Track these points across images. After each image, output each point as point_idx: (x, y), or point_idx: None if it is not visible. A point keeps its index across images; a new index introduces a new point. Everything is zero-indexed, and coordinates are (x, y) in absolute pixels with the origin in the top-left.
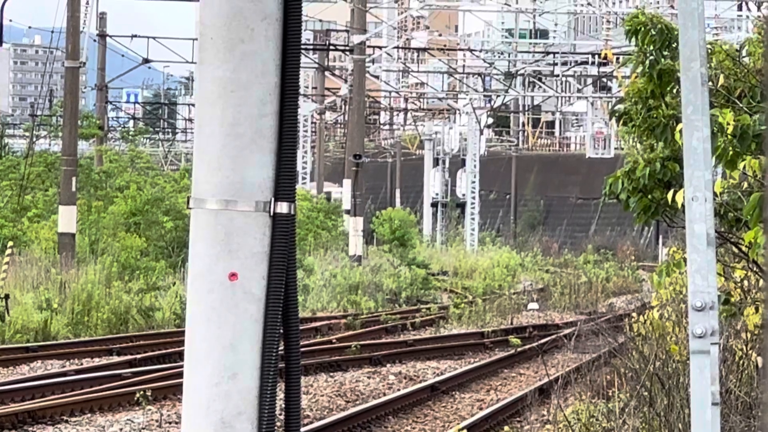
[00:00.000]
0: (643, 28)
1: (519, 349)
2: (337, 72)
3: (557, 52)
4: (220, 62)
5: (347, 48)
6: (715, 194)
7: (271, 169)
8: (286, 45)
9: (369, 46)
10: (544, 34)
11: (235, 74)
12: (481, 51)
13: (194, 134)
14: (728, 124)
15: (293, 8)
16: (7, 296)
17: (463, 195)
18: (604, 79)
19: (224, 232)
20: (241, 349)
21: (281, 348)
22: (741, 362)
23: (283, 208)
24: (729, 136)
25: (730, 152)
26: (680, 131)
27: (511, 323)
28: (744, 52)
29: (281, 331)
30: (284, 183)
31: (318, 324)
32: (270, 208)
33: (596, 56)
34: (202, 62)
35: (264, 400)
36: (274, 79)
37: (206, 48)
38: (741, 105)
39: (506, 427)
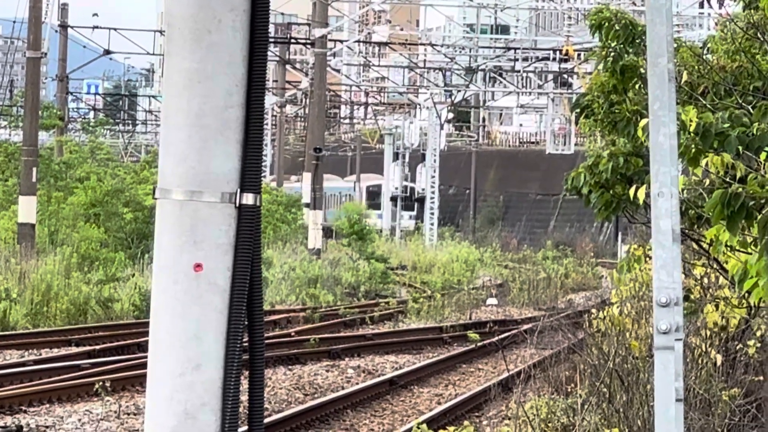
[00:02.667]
0: (607, 24)
1: (478, 344)
2: (298, 65)
3: (518, 48)
4: (187, 53)
5: (308, 41)
6: None
7: (237, 161)
8: (253, 36)
9: (330, 40)
10: (505, 29)
11: (201, 65)
12: (442, 46)
13: (160, 125)
14: (691, 121)
15: None
16: None
17: (423, 189)
18: (565, 76)
19: (190, 223)
20: (205, 341)
21: (245, 340)
22: (700, 359)
23: (248, 199)
24: (692, 134)
25: (693, 149)
26: (644, 127)
27: (470, 318)
28: (707, 50)
29: (245, 322)
30: (250, 174)
31: (277, 317)
32: (236, 199)
33: (557, 52)
34: (169, 53)
35: (228, 392)
36: (241, 71)
37: (173, 39)
38: (704, 102)
39: (465, 422)
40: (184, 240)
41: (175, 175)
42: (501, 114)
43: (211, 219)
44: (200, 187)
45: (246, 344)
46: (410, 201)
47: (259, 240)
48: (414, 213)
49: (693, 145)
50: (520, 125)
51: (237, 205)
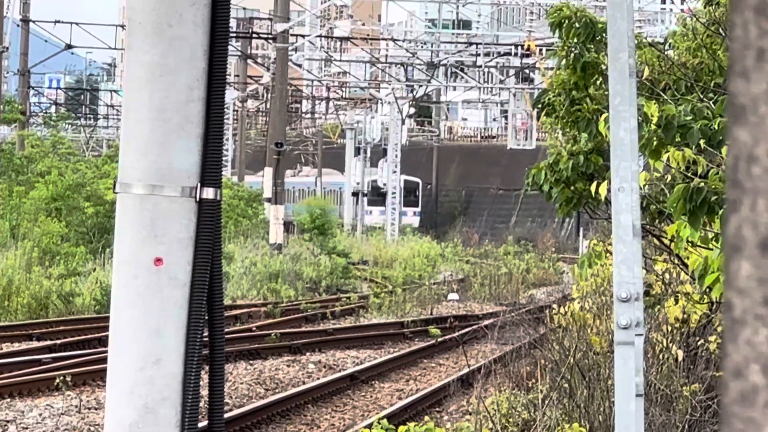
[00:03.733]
0: (567, 21)
1: (439, 340)
2: (259, 60)
3: (480, 43)
4: (149, 47)
5: (270, 36)
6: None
7: (198, 155)
8: (214, 31)
9: (292, 35)
10: (467, 24)
11: (163, 59)
12: (403, 41)
13: (121, 119)
14: (653, 115)
15: None
16: None
17: (384, 184)
18: (527, 71)
19: (150, 217)
20: (165, 335)
21: (205, 334)
22: (661, 355)
23: (209, 193)
24: (654, 126)
25: (655, 142)
26: (605, 123)
27: (431, 313)
28: (668, 46)
29: (206, 317)
30: (210, 169)
31: (238, 312)
32: (196, 193)
33: (519, 48)
34: (130, 47)
35: (188, 386)
36: (202, 65)
37: (134, 32)
38: (665, 97)
39: (426, 417)
40: (144, 234)
41: (135, 170)
42: (447, 108)
43: (172, 213)
44: (161, 182)
45: (206, 339)
46: (378, 196)
47: (220, 234)
48: (418, 210)
49: (655, 138)
50: (464, 119)
51: (197, 199)
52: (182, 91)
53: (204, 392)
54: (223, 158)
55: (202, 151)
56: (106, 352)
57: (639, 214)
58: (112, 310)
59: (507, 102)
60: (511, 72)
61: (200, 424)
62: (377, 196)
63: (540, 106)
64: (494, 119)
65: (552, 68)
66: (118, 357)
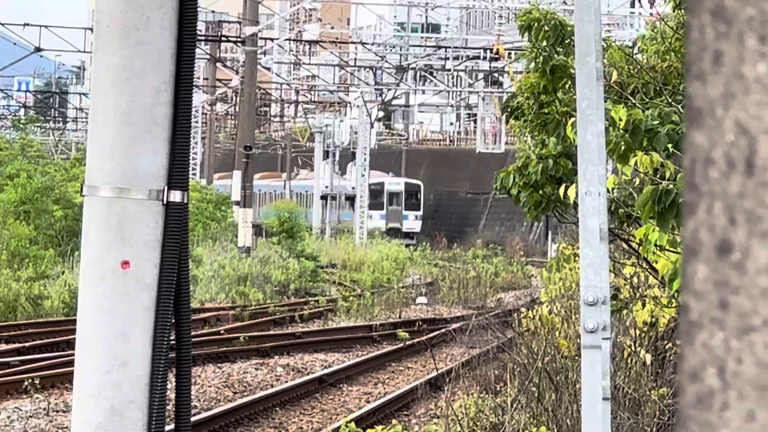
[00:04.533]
0: (536, 24)
1: (408, 343)
2: (228, 63)
3: (449, 47)
4: (116, 50)
5: (239, 39)
6: (606, 190)
7: (165, 158)
8: (181, 34)
9: (261, 38)
10: (436, 28)
11: (130, 62)
12: (372, 44)
13: (88, 122)
14: (620, 119)
15: None
16: None
17: (353, 188)
18: (496, 74)
19: (117, 220)
20: (132, 338)
21: (172, 337)
22: (629, 359)
23: (176, 196)
24: (621, 131)
25: (622, 147)
26: (573, 126)
27: (400, 317)
28: (636, 49)
29: (173, 320)
30: (177, 172)
31: (206, 315)
32: (163, 196)
33: (488, 51)
34: (98, 50)
35: (155, 389)
36: (169, 68)
37: (102, 35)
38: (634, 101)
39: (394, 421)
40: (111, 237)
41: (102, 172)
42: (403, 111)
43: (139, 216)
44: (128, 185)
45: (173, 342)
46: (376, 200)
47: (187, 237)
48: (420, 213)
49: (622, 142)
50: (421, 123)
51: (164, 202)
52: (149, 94)
53: (171, 395)
54: (192, 161)
55: (169, 154)
56: (74, 354)
57: (606, 217)
58: (78, 312)
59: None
60: (480, 75)
61: (167, 427)
62: (376, 199)
63: (509, 109)
64: (451, 123)
65: (520, 72)
66: (84, 359)
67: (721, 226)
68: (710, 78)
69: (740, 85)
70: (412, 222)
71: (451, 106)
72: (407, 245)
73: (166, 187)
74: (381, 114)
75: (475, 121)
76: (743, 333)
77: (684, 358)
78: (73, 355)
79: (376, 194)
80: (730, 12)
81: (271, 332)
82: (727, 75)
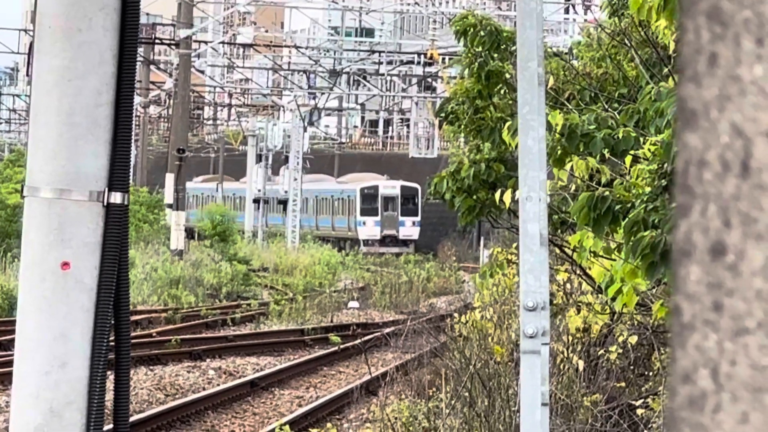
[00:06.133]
0: (472, 30)
1: (340, 347)
2: (162, 66)
3: (383, 51)
4: (58, 51)
5: (173, 42)
6: None
7: (106, 159)
8: (123, 35)
9: (195, 41)
10: (370, 32)
11: (72, 63)
12: (306, 48)
13: (30, 123)
14: (557, 124)
15: None
16: None
17: (286, 192)
18: (429, 79)
19: (58, 221)
20: (72, 339)
21: (112, 338)
22: (562, 365)
23: (116, 198)
24: (557, 135)
25: (559, 151)
26: (508, 131)
27: (332, 321)
28: (572, 55)
29: (112, 321)
30: (118, 173)
31: (138, 317)
32: (104, 198)
33: (422, 56)
34: (39, 51)
35: (93, 390)
36: (111, 69)
37: (43, 37)
38: (570, 107)
39: (329, 425)
40: (52, 238)
41: (43, 173)
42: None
43: (79, 217)
44: (69, 186)
45: (112, 343)
46: (370, 205)
47: (127, 239)
48: (418, 219)
49: (559, 147)
50: (327, 126)
51: (105, 203)
52: (91, 95)
53: (109, 396)
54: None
55: (110, 156)
56: (8, 355)
57: (546, 223)
58: (18, 313)
59: (409, 110)
60: (414, 80)
61: (105, 428)
62: (369, 204)
63: (443, 114)
64: (355, 126)
65: (454, 77)
66: (23, 360)
67: (715, 228)
68: (705, 80)
69: (736, 87)
70: (410, 228)
71: (352, 109)
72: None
73: (106, 189)
74: (315, 118)
75: (408, 126)
76: (737, 335)
77: (676, 360)
78: (6, 356)
79: (369, 199)
80: (726, 14)
81: (203, 335)
82: (722, 77)
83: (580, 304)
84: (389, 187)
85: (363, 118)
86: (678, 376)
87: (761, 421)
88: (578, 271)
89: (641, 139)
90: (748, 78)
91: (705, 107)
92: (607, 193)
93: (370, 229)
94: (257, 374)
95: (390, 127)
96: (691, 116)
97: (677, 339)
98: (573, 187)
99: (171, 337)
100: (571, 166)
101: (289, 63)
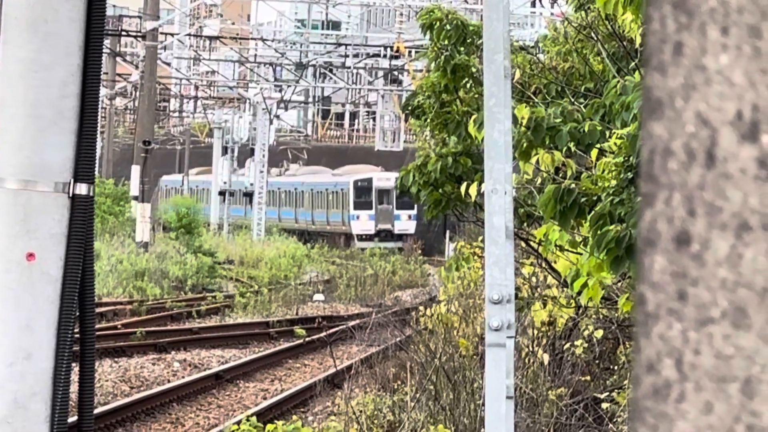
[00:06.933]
0: (438, 24)
1: (306, 340)
2: (128, 58)
3: (349, 44)
4: (24, 42)
5: (139, 34)
6: None
7: (72, 151)
8: (89, 27)
9: (161, 33)
10: (336, 25)
11: (38, 55)
12: (273, 41)
13: None
14: (523, 117)
15: None
16: None
17: (251, 184)
18: (396, 72)
19: (23, 212)
20: (37, 330)
21: (77, 330)
22: (527, 358)
23: (82, 189)
24: (523, 129)
25: (524, 144)
26: (474, 124)
27: (297, 314)
28: (539, 49)
29: (77, 312)
30: (84, 164)
31: (103, 309)
32: (69, 189)
33: (388, 49)
34: (6, 42)
35: (58, 382)
36: (77, 61)
37: (9, 28)
38: (536, 101)
39: (294, 417)
40: (17, 229)
41: (9, 165)
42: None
43: (45, 209)
44: (34, 177)
45: (77, 335)
46: (364, 197)
47: (92, 230)
48: (414, 213)
49: (524, 140)
50: (278, 117)
51: (70, 195)
52: (56, 86)
53: (74, 388)
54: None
55: (75, 147)
56: None
57: (512, 216)
58: None
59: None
60: (380, 73)
61: (70, 419)
62: (363, 197)
63: (410, 108)
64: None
65: (421, 70)
66: None
67: (680, 217)
68: (670, 69)
69: (701, 77)
70: (405, 222)
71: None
72: (400, 250)
73: (72, 180)
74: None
75: (374, 119)
76: (702, 324)
77: (640, 349)
78: None
79: (363, 192)
80: (691, 3)
81: (168, 327)
82: (687, 66)
83: (545, 297)
84: (384, 179)
85: (329, 110)
86: (642, 365)
87: (725, 410)
88: (544, 265)
89: (607, 133)
90: (713, 67)
91: (670, 96)
92: (573, 186)
93: (363, 223)
94: (222, 367)
95: (356, 120)
96: (657, 105)
97: (641, 328)
98: (539, 181)
99: (136, 330)
100: (537, 160)
101: (255, 55)
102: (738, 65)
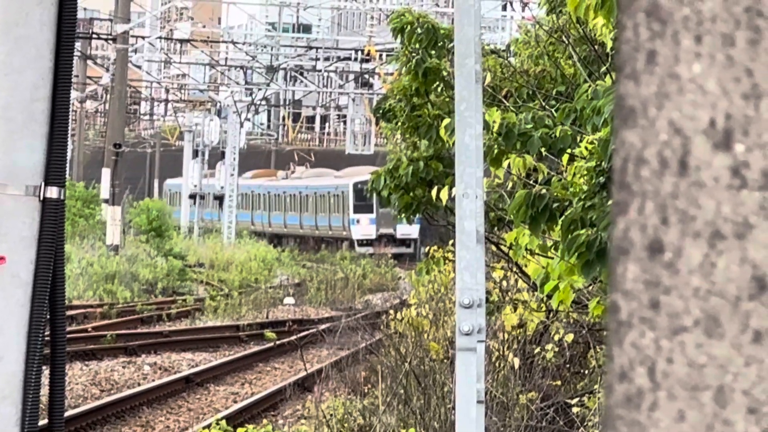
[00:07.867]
0: (409, 27)
1: (276, 343)
2: (99, 61)
3: (320, 47)
4: None
5: (110, 37)
6: None
7: (42, 154)
8: (60, 30)
9: (132, 36)
10: (307, 28)
11: (8, 58)
12: (243, 44)
13: None
14: (494, 122)
15: None
16: None
17: (222, 187)
18: (366, 76)
19: None
20: (7, 333)
21: (47, 333)
22: (498, 362)
23: (53, 192)
24: (495, 134)
25: (496, 150)
26: (446, 126)
27: (267, 317)
28: (510, 53)
29: (48, 316)
30: (55, 168)
31: (74, 312)
32: (40, 192)
33: (359, 52)
34: None
35: (29, 385)
36: (48, 64)
37: None
38: (508, 105)
39: (265, 420)
40: None
41: None
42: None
43: (15, 212)
44: (5, 180)
45: (48, 338)
46: (364, 201)
47: (63, 234)
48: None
49: (496, 146)
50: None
51: (41, 198)
52: (27, 89)
53: (44, 391)
54: None
55: (46, 150)
56: None
57: (483, 220)
58: None
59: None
60: (351, 77)
61: (40, 423)
62: (363, 200)
63: (380, 111)
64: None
65: (392, 73)
66: None
67: (652, 225)
68: (644, 77)
69: (674, 85)
70: (408, 227)
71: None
72: (402, 255)
73: (42, 183)
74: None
75: (344, 123)
76: (674, 333)
77: (612, 358)
78: None
79: (363, 195)
80: (665, 12)
81: (139, 330)
82: (661, 75)
83: (516, 301)
84: None
85: (300, 114)
86: (615, 373)
87: (697, 419)
88: (514, 269)
89: (578, 137)
90: (686, 76)
91: (643, 105)
92: (544, 190)
93: (364, 227)
94: (192, 370)
95: (327, 124)
96: (630, 114)
97: (614, 336)
98: (510, 185)
99: (106, 333)
100: (508, 164)
101: (226, 59)
102: (711, 74)
